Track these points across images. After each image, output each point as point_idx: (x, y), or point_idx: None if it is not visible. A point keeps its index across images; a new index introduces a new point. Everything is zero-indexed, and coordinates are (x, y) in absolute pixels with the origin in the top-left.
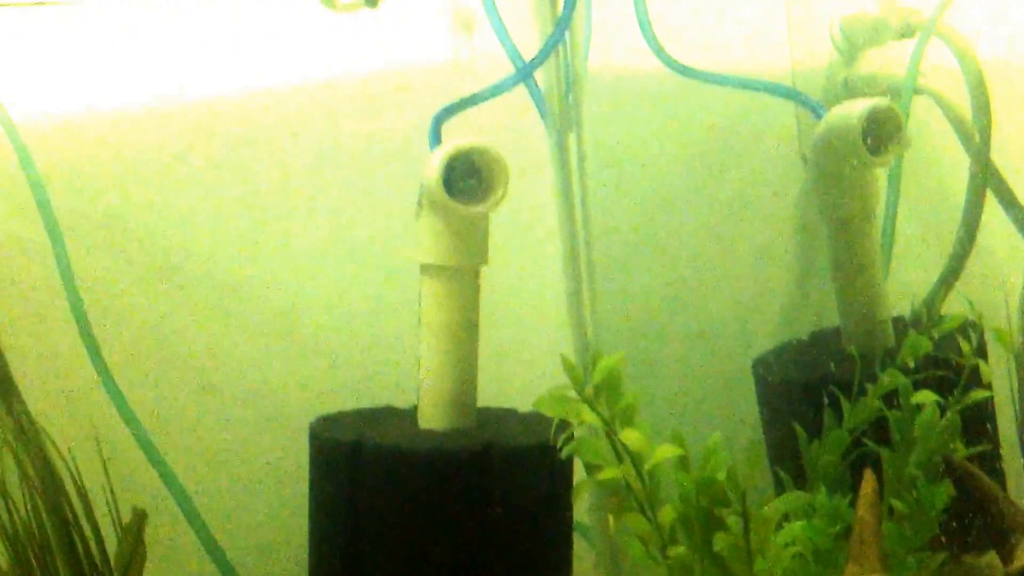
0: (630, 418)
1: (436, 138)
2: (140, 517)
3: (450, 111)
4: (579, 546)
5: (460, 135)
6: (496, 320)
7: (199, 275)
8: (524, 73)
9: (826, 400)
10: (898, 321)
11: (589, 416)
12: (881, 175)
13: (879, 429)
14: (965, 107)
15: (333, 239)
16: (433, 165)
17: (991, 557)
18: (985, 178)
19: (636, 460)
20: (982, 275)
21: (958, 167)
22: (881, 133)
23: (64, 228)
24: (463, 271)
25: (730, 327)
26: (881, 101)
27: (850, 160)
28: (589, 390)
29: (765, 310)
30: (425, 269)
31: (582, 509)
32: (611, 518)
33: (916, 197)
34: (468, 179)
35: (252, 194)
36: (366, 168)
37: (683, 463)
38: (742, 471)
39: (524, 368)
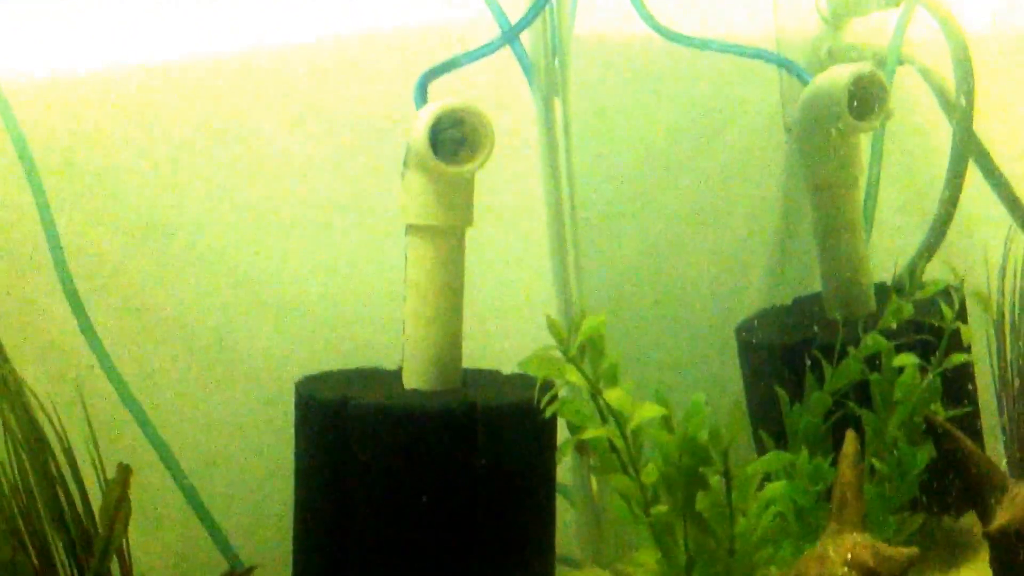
0: (614, 378)
1: (422, 99)
2: (125, 472)
3: (436, 72)
4: (561, 506)
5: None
6: (481, 281)
7: (184, 237)
8: (510, 36)
9: (808, 364)
10: (880, 287)
11: (573, 375)
12: (864, 142)
13: (860, 393)
14: (948, 77)
15: (319, 201)
16: (419, 125)
17: (970, 519)
18: (967, 147)
19: (619, 420)
20: (963, 242)
21: (941, 136)
22: (866, 99)
23: (48, 188)
24: (448, 232)
25: (714, 292)
26: (866, 67)
27: (835, 124)
28: (574, 350)
29: (748, 276)
30: (411, 229)
31: (564, 470)
32: (594, 480)
33: (899, 165)
34: (454, 140)
35: (237, 157)
36: (352, 130)
37: (666, 423)
38: (725, 431)
39: (509, 329)
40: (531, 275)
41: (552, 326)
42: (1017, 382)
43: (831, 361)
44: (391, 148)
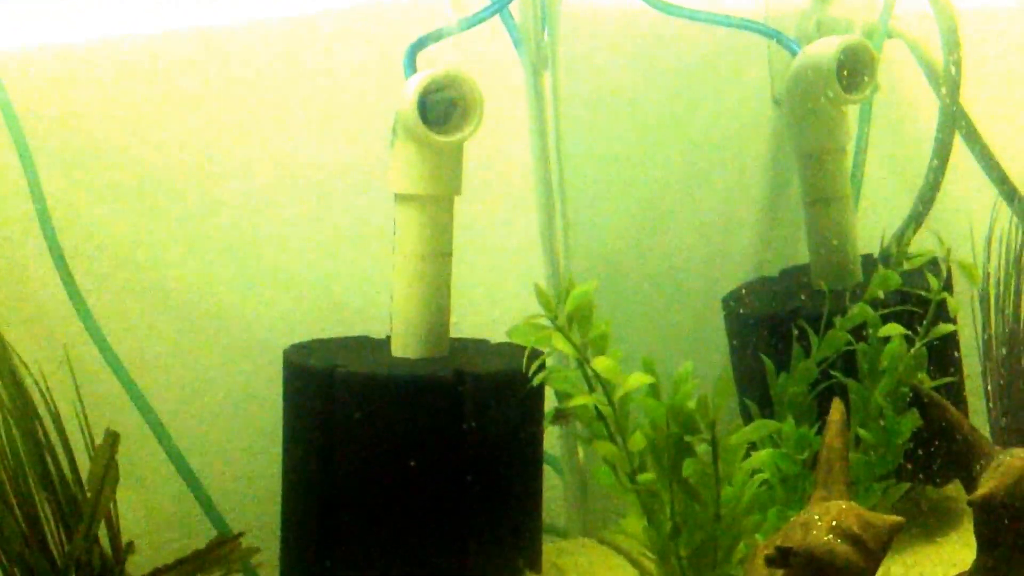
0: (602, 347)
1: (411, 67)
2: (112, 438)
3: (425, 41)
4: (548, 477)
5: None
6: (470, 250)
7: (173, 206)
8: (499, 5)
9: (794, 334)
10: (867, 259)
11: (561, 344)
12: (852, 114)
13: (847, 363)
14: (936, 50)
15: (308, 170)
16: (408, 94)
17: (953, 489)
18: (954, 120)
19: (607, 388)
20: (949, 215)
21: (928, 110)
22: (855, 71)
23: (35, 151)
24: (437, 200)
25: (701, 263)
26: (855, 38)
27: (824, 92)
28: (562, 319)
29: (736, 248)
30: (399, 198)
31: (552, 439)
32: (581, 451)
33: (886, 138)
34: (444, 103)
35: (227, 127)
36: (343, 99)
37: (654, 391)
38: (712, 400)
39: (497, 298)
40: (520, 244)
41: (540, 294)
42: (1004, 350)
43: (817, 332)
44: (381, 117)
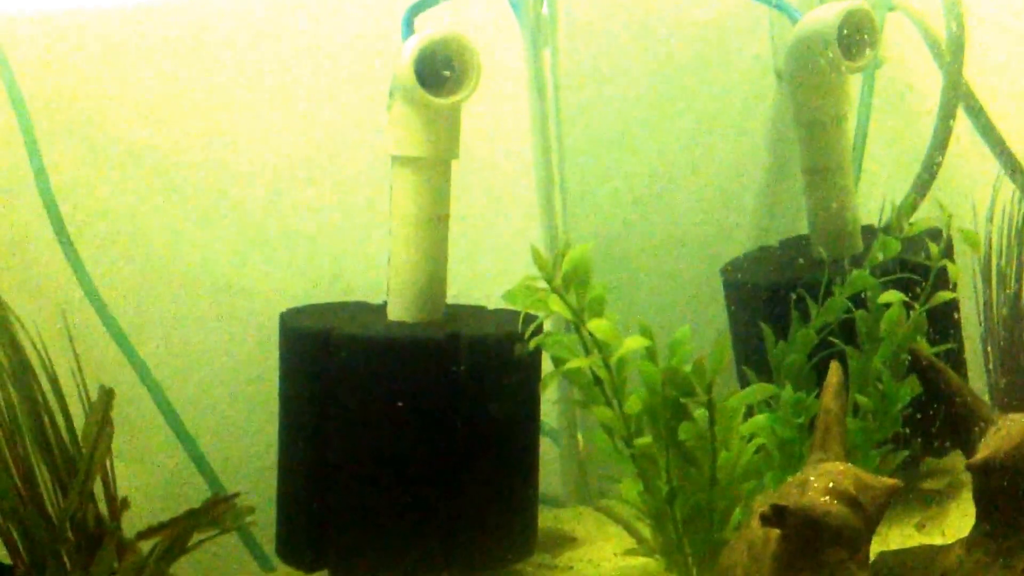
0: (599, 310)
1: (408, 30)
2: (107, 395)
3: (423, 4)
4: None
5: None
6: (467, 215)
7: (172, 170)
8: None
9: (793, 302)
10: (867, 229)
11: (558, 306)
12: (855, 83)
13: (846, 331)
14: (938, 23)
15: (305, 133)
16: (405, 56)
17: (953, 459)
18: (957, 92)
19: (603, 351)
20: (952, 187)
21: (930, 82)
22: (856, 39)
23: (36, 122)
24: (434, 163)
25: (702, 235)
26: (857, 4)
27: (824, 54)
28: (558, 281)
29: (737, 219)
30: (396, 161)
31: (549, 407)
32: (580, 437)
33: (888, 111)
34: (441, 71)
35: (223, 90)
36: (337, 64)
37: (650, 355)
38: (709, 364)
39: (494, 263)
40: (518, 209)
41: (536, 256)
42: (1004, 310)
43: (816, 300)
44: (378, 82)
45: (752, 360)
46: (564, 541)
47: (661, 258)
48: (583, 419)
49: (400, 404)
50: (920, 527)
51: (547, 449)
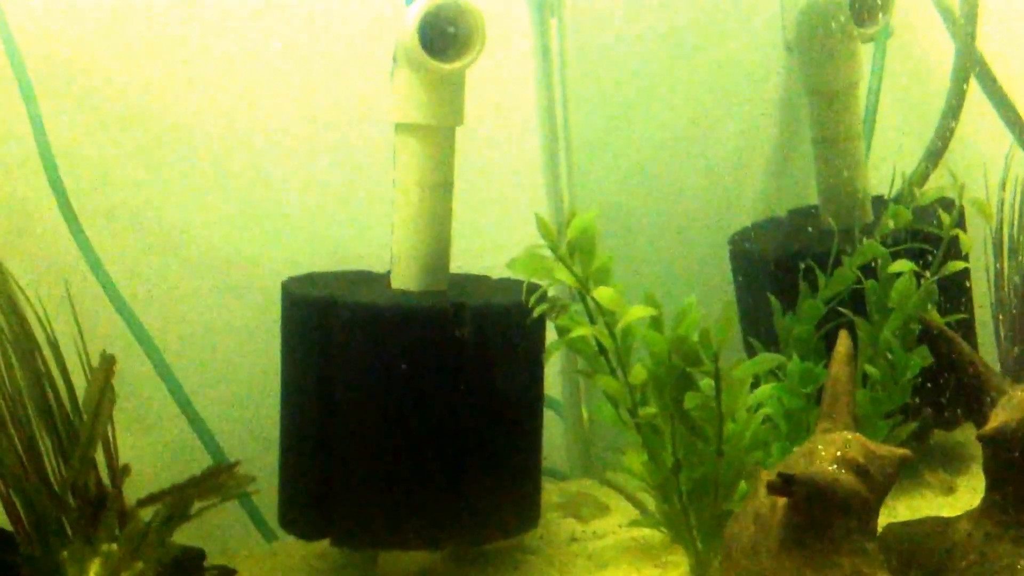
0: (604, 279)
1: None
2: (109, 361)
3: None
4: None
5: None
6: (471, 183)
7: (175, 140)
8: None
9: (800, 273)
10: (878, 200)
11: (563, 274)
12: (866, 53)
13: (855, 302)
14: None
15: (308, 100)
16: (408, 21)
17: (961, 434)
18: (970, 58)
19: (609, 320)
20: (963, 158)
21: (943, 53)
22: (868, 4)
23: (38, 91)
24: (438, 131)
25: (710, 206)
26: None
27: (835, 17)
28: (563, 249)
29: (746, 190)
30: (400, 128)
31: (554, 384)
32: (584, 411)
33: (900, 80)
34: (445, 36)
35: (226, 57)
36: (341, 27)
37: (656, 324)
38: (716, 331)
39: (498, 232)
40: (523, 177)
41: (541, 224)
42: (1017, 278)
43: (825, 271)
44: (382, 48)
45: (759, 332)
46: (568, 513)
47: (667, 229)
48: (587, 393)
49: (403, 373)
50: (949, 491)
51: (551, 422)
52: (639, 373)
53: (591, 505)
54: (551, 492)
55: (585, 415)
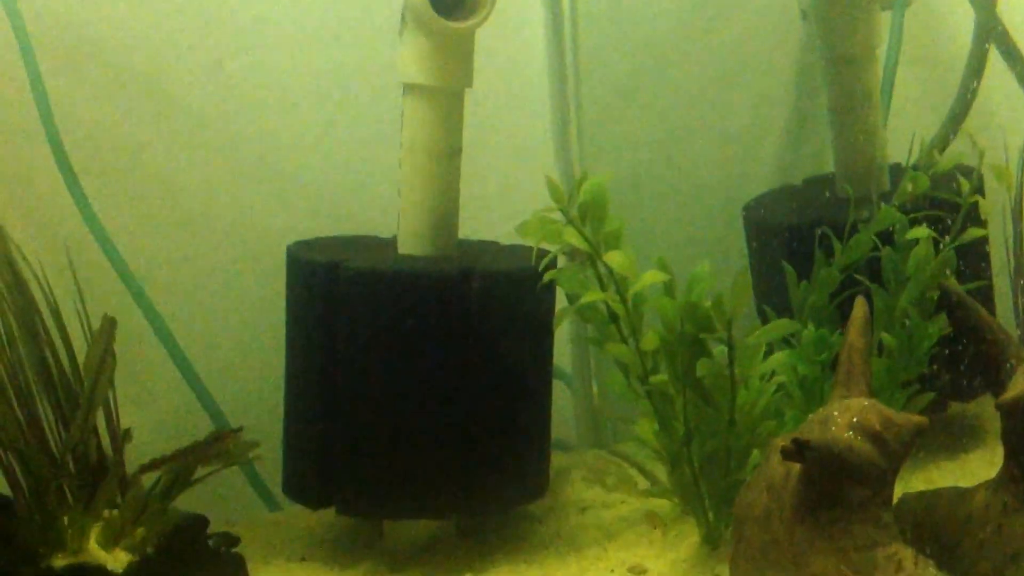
0: (615, 244)
1: None
2: (110, 324)
3: None
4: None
5: None
6: (480, 145)
7: (177, 103)
8: None
9: (816, 242)
10: (895, 168)
11: (573, 238)
12: (884, 21)
13: (871, 271)
14: None
15: (313, 62)
16: None
17: (977, 406)
18: (989, 30)
19: (620, 285)
20: (983, 124)
21: (962, 18)
22: None
23: (39, 53)
24: (447, 92)
25: (725, 175)
26: None
27: None
28: (574, 212)
29: (762, 159)
30: (408, 89)
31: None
32: (594, 385)
33: (919, 48)
34: None
35: (229, 20)
36: None
37: (668, 290)
38: (729, 298)
39: (508, 196)
40: (534, 143)
41: (551, 187)
42: None
43: (841, 239)
44: (390, 8)
45: (773, 301)
46: (577, 483)
47: (680, 197)
48: (596, 364)
49: (409, 339)
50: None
51: (560, 394)
52: (651, 339)
53: (601, 475)
54: (560, 461)
55: (595, 388)
